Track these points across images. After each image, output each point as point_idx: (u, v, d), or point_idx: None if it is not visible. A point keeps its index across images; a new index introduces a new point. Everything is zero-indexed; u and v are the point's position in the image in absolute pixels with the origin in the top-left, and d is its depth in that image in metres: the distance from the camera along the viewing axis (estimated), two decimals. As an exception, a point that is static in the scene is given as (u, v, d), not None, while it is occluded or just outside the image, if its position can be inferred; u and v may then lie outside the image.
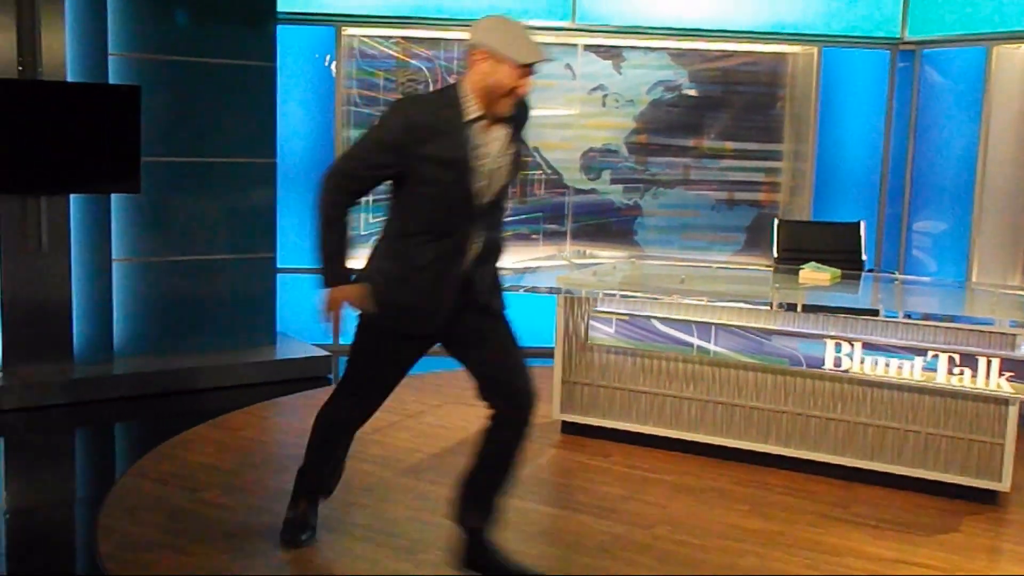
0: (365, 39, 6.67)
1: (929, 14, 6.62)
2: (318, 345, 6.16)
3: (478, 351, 3.07)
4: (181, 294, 5.80)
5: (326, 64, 6.56)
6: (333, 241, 2.92)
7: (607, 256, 5.88)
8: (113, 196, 5.46)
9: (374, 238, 3.09)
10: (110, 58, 5.42)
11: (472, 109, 2.83)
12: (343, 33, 6.53)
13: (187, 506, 3.68)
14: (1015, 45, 6.27)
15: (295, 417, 4.96)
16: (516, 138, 2.96)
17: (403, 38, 6.72)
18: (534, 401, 3.07)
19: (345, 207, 2.91)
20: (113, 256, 5.51)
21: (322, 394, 5.35)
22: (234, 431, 4.59)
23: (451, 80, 6.70)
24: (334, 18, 6.47)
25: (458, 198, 2.86)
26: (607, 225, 7.04)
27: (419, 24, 6.57)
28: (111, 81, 5.41)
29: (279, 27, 6.12)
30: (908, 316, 4.00)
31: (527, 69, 2.80)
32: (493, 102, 2.83)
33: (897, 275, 5.39)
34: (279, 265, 6.19)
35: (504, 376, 3.05)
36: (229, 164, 5.88)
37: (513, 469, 3.11)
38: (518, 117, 2.96)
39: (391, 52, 6.74)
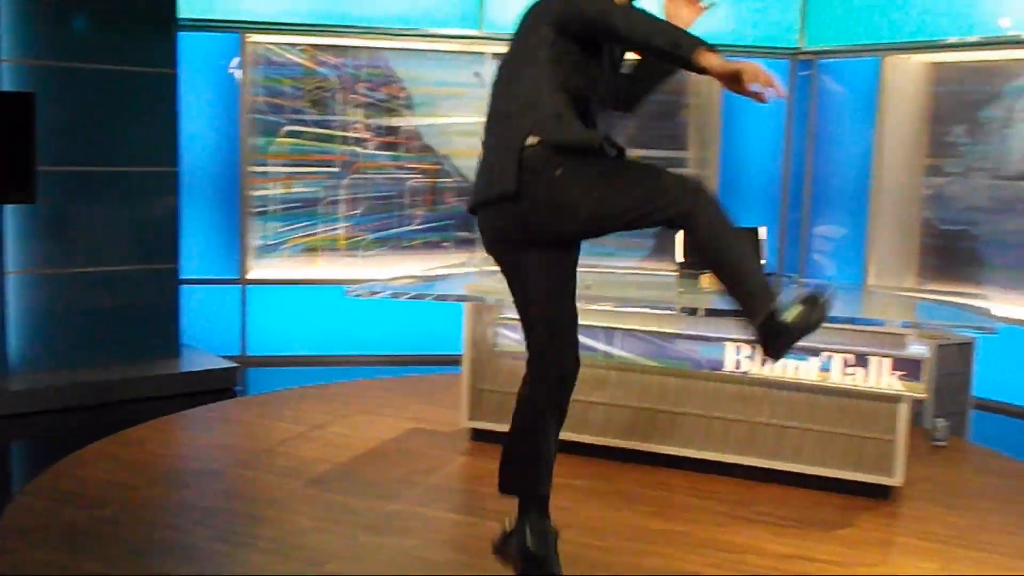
0: (271, 46, 6.59)
1: (826, 25, 6.83)
2: (224, 357, 6.05)
3: None
4: (81, 307, 5.64)
5: (231, 71, 6.46)
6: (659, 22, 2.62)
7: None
8: (7, 207, 5.29)
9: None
10: (2, 64, 5.26)
11: None
12: (248, 40, 6.45)
13: (84, 525, 3.57)
14: (906, 55, 6.51)
15: (198, 430, 4.87)
16: None
17: (310, 45, 6.67)
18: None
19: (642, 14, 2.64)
20: (7, 268, 5.33)
21: (232, 405, 5.31)
22: (135, 446, 4.47)
23: (359, 87, 6.72)
24: (238, 25, 6.37)
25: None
26: (518, 232, 7.07)
27: (326, 32, 6.53)
28: (3, 88, 5.24)
29: (182, 34, 6.02)
30: (804, 318, 4.11)
31: None
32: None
33: (796, 278, 5.55)
34: (183, 276, 6.06)
35: None
36: (130, 173, 5.74)
37: None
38: None
39: (298, 60, 6.67)
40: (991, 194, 6.35)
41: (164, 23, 5.84)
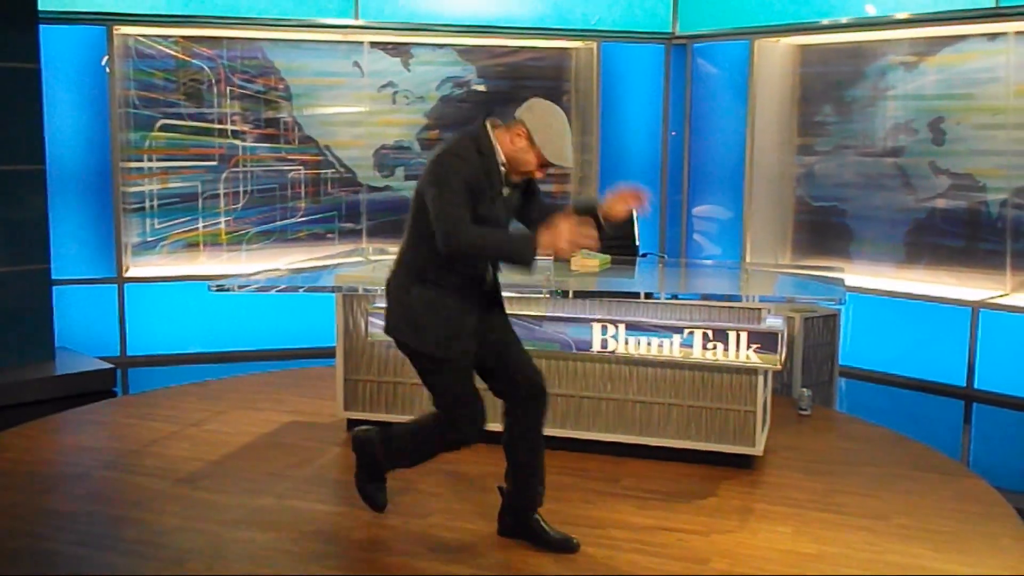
0: (141, 38, 6.44)
1: (698, 9, 6.98)
2: (102, 358, 5.91)
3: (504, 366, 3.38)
4: (-54, 312, 5.46)
5: (102, 64, 6.29)
6: (500, 241, 3.12)
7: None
8: None
9: (398, 275, 3.31)
10: None
11: (502, 159, 3.16)
12: (116, 32, 6.29)
13: (-63, 535, 3.46)
14: (774, 39, 6.69)
15: (69, 434, 4.75)
16: (520, 188, 3.29)
17: (183, 37, 6.53)
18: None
19: (480, 234, 3.07)
20: None
21: (105, 407, 5.19)
22: (0, 452, 4.36)
23: (235, 79, 6.62)
24: (104, 17, 6.21)
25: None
26: (403, 222, 7.03)
27: (197, 23, 6.40)
28: None
29: (45, 27, 5.84)
30: (665, 297, 4.22)
31: (548, 165, 3.15)
32: (513, 169, 3.17)
33: (664, 257, 5.66)
34: (55, 276, 5.90)
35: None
36: (-8, 172, 5.57)
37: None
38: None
39: (170, 52, 6.54)
40: (858, 170, 6.58)
41: (25, 16, 5.65)
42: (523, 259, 3.05)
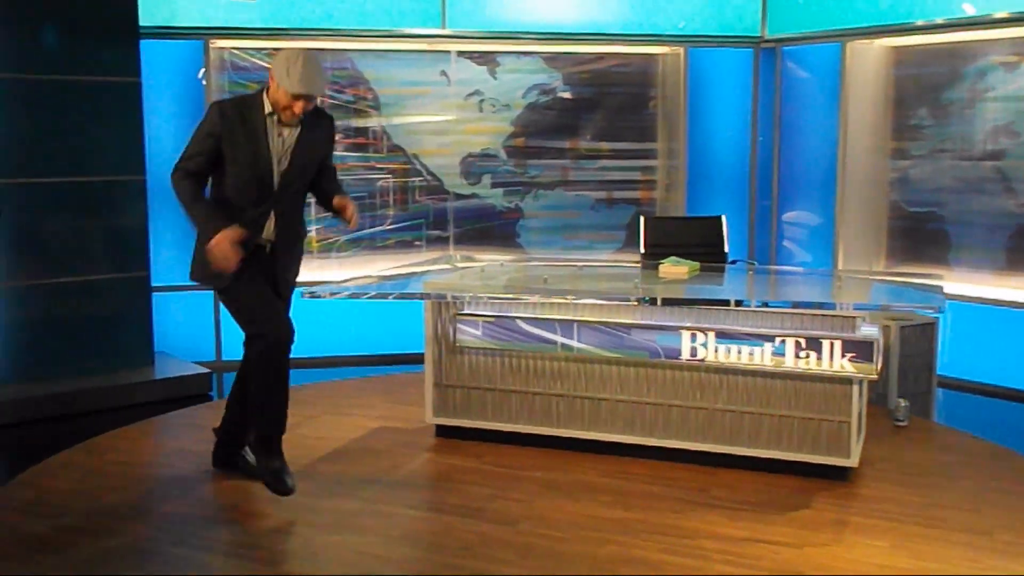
0: (236, 51, 6.62)
1: (787, 12, 6.86)
2: (198, 363, 6.08)
3: None
4: (52, 318, 5.66)
5: (199, 77, 6.48)
6: (200, 209, 3.66)
7: (490, 259, 5.94)
8: (-28, 221, 5.33)
9: None
10: (-36, 79, 5.29)
11: (268, 107, 3.68)
12: (212, 46, 6.47)
13: (46, 534, 3.60)
14: (867, 40, 6.54)
15: (166, 436, 4.90)
16: (309, 143, 3.75)
17: (275, 50, 6.69)
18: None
19: (195, 187, 3.68)
20: (-24, 282, 5.37)
21: (201, 411, 5.34)
22: (100, 454, 4.50)
23: (326, 89, 6.74)
24: (201, 31, 6.40)
25: (254, 177, 3.66)
26: (490, 229, 7.11)
27: (289, 35, 6.55)
28: (-35, 103, 5.27)
29: (145, 42, 6.05)
30: (756, 304, 4.15)
31: (298, 96, 3.58)
32: (277, 110, 3.66)
33: (754, 264, 5.58)
34: (154, 283, 6.10)
35: None
36: (96, 183, 5.76)
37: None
38: (320, 127, 3.84)
39: (263, 64, 6.69)
40: (956, 175, 6.38)
41: (126, 32, 5.86)
42: (200, 233, 3.69)
